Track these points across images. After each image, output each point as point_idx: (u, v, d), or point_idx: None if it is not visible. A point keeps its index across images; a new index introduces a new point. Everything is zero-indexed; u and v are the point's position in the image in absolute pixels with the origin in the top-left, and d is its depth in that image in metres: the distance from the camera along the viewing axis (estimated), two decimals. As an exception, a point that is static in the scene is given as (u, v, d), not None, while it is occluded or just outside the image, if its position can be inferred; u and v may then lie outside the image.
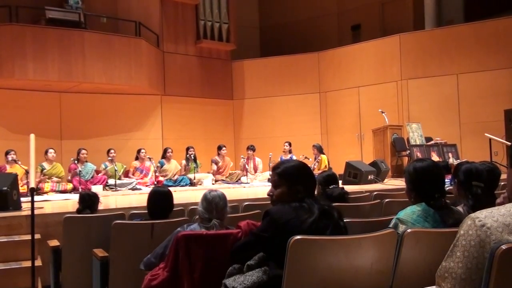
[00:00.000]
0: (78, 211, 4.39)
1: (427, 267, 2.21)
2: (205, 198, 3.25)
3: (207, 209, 3.20)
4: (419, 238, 2.29)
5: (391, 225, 2.82)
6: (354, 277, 2.18)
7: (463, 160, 3.39)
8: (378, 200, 4.70)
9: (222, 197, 3.27)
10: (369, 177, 8.93)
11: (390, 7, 13.96)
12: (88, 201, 4.41)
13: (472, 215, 1.48)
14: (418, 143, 10.26)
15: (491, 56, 11.07)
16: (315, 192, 2.60)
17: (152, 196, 3.86)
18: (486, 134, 9.62)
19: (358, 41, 13.32)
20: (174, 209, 3.99)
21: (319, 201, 2.53)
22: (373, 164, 9.52)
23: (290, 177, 2.55)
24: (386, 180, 9.43)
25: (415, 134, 10.42)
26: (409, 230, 2.30)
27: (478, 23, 11.43)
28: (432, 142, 10.47)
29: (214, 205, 3.20)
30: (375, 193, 5.55)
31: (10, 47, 9.91)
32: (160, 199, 3.84)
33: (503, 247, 1.38)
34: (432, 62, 11.66)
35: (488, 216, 1.44)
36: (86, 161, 9.94)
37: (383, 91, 12.11)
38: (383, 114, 10.75)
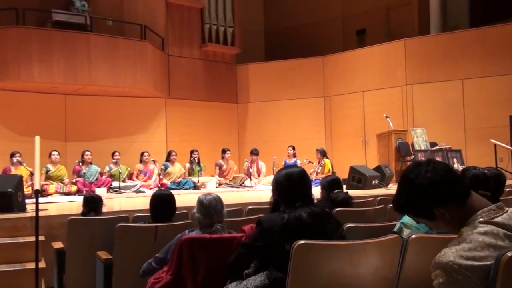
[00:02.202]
0: (83, 213, 4.40)
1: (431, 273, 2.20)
2: (201, 204, 3.19)
3: (206, 215, 3.15)
4: (423, 244, 2.29)
5: (395, 229, 2.82)
6: (358, 282, 2.18)
7: (470, 166, 3.36)
8: (382, 205, 4.69)
9: (219, 200, 3.22)
10: (373, 182, 8.91)
11: (395, 12, 13.96)
12: (93, 203, 4.42)
13: (443, 260, 1.47)
14: (422, 148, 10.23)
15: (496, 62, 11.04)
16: (302, 198, 2.57)
17: (154, 200, 3.85)
18: (491, 140, 9.59)
19: (363, 46, 13.32)
20: (178, 212, 3.99)
21: (308, 206, 2.52)
22: (378, 169, 9.49)
23: (273, 187, 2.68)
24: (390, 185, 9.40)
25: (419, 139, 10.40)
26: (413, 236, 2.30)
27: (483, 29, 11.41)
28: (437, 147, 10.43)
29: (213, 209, 3.15)
30: (379, 198, 5.54)
31: (17, 49, 9.96)
32: (162, 203, 3.83)
33: (509, 254, 1.38)
34: (437, 67, 11.64)
35: (456, 256, 1.45)
36: (91, 163, 9.97)
37: (388, 96, 12.10)
38: (387, 119, 10.72)
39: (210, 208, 3.16)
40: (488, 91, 11.06)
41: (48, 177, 9.45)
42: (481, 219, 1.51)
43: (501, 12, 12.10)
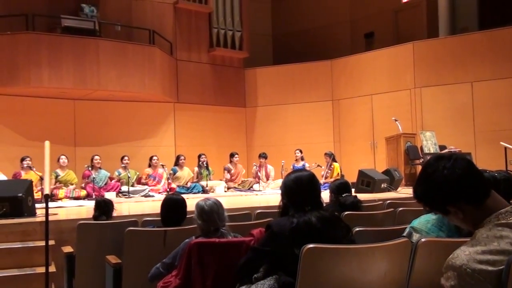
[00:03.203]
0: (95, 217, 4.42)
1: (441, 277, 2.18)
2: (202, 210, 3.16)
3: (209, 221, 3.13)
4: (433, 248, 2.27)
5: (405, 234, 2.80)
6: (367, 286, 2.17)
7: (480, 169, 3.31)
8: (392, 209, 4.68)
9: (219, 204, 3.21)
10: (382, 185, 8.88)
11: (404, 15, 13.92)
12: (104, 207, 4.44)
13: (456, 263, 1.44)
14: (432, 151, 10.19)
15: (506, 64, 10.96)
16: (311, 202, 2.57)
17: (166, 204, 3.85)
18: (501, 143, 9.53)
19: (371, 49, 13.29)
20: (187, 216, 3.99)
21: (317, 210, 2.52)
22: (386, 172, 9.46)
23: (282, 191, 2.68)
24: (399, 188, 9.37)
25: (429, 143, 10.35)
26: (423, 240, 2.28)
27: (492, 31, 11.34)
28: (446, 150, 10.38)
29: (215, 214, 3.13)
30: (388, 201, 5.52)
31: (26, 55, 10.04)
32: (173, 207, 3.83)
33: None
34: (446, 70, 11.58)
35: (470, 260, 1.42)
36: (100, 168, 10.01)
37: (397, 99, 12.05)
38: (396, 122, 10.70)
39: (213, 213, 3.14)
40: (497, 93, 10.99)
41: (57, 181, 9.48)
42: (498, 222, 1.49)
43: (511, 14, 12.02)
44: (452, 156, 1.59)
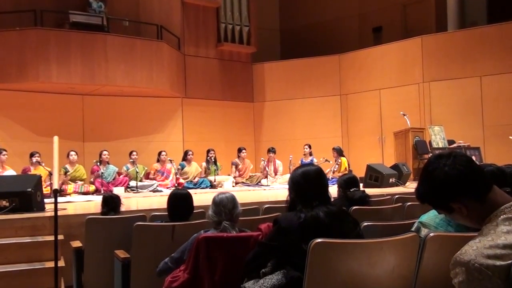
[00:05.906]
0: (103, 213, 4.43)
1: (450, 272, 2.17)
2: (213, 201, 3.23)
3: (216, 212, 3.17)
4: (442, 242, 2.26)
5: (413, 229, 2.79)
6: (375, 281, 2.16)
7: (486, 163, 3.30)
8: (400, 204, 4.67)
9: (231, 199, 3.22)
10: (391, 180, 8.85)
11: (412, 9, 13.84)
12: (112, 203, 4.45)
13: (464, 258, 1.43)
14: (440, 146, 10.13)
15: (515, 58, 10.88)
16: (319, 197, 2.56)
17: (172, 199, 3.86)
18: (510, 137, 9.46)
19: (379, 43, 13.21)
20: (195, 211, 4.00)
21: (325, 205, 2.51)
22: (395, 167, 9.43)
23: (289, 186, 2.66)
24: (407, 183, 9.34)
25: (437, 137, 10.30)
26: (431, 234, 2.27)
27: (502, 25, 11.24)
28: (455, 145, 10.33)
29: (222, 207, 3.16)
30: (397, 196, 5.51)
31: (35, 51, 10.08)
32: (179, 202, 3.84)
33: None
34: (454, 64, 11.51)
35: (478, 255, 1.41)
36: (108, 163, 10.05)
37: (405, 94, 12.00)
38: (404, 116, 10.64)
39: (220, 206, 3.17)
40: (506, 87, 10.90)
41: (67, 176, 9.52)
42: (504, 216, 1.48)
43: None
44: (452, 153, 1.59)
